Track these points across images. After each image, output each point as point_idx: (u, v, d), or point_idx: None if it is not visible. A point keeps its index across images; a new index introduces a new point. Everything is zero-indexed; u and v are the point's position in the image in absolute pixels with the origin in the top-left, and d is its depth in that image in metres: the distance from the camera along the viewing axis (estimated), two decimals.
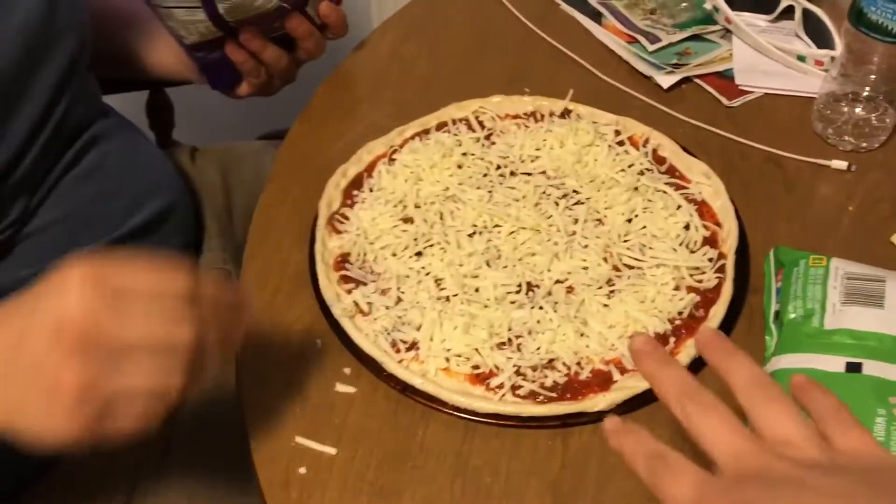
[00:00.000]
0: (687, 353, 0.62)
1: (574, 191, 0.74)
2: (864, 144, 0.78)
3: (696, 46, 0.90)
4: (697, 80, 0.86)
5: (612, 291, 0.66)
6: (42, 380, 0.45)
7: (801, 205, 0.74)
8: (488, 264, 0.68)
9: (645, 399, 0.60)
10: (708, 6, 0.91)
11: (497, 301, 0.65)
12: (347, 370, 0.63)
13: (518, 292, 0.67)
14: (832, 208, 0.74)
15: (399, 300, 0.66)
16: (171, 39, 0.83)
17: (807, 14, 0.87)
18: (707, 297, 0.66)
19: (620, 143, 0.77)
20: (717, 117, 0.82)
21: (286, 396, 0.62)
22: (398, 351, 0.63)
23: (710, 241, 0.69)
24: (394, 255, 0.70)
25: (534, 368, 0.62)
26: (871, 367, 0.56)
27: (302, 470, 0.58)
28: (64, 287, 0.45)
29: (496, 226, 0.71)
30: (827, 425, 0.42)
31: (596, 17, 0.94)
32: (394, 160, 0.77)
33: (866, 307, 0.59)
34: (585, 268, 0.68)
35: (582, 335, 0.63)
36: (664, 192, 0.73)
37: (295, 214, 0.75)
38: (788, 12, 0.89)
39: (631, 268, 0.68)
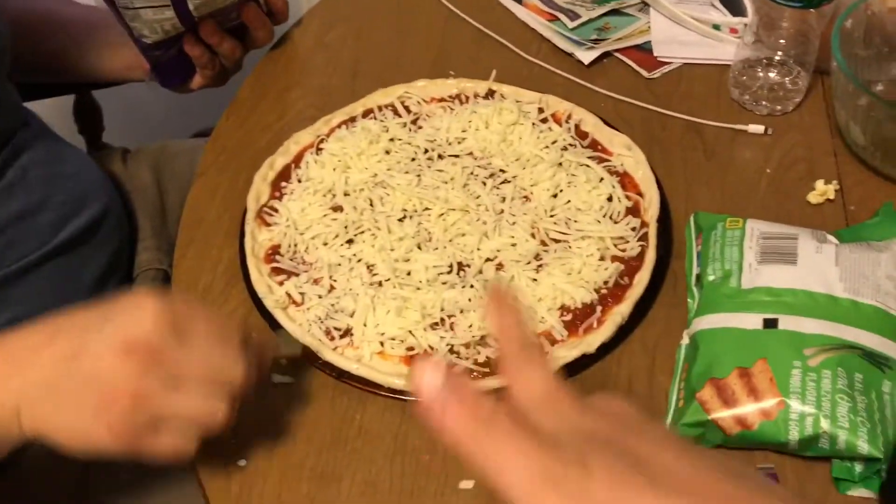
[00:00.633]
0: (612, 320, 0.63)
1: (501, 170, 0.75)
2: (780, 108, 0.81)
3: (615, 21, 0.91)
4: (617, 55, 0.88)
5: (540, 266, 0.68)
6: (99, 388, 0.49)
7: (721, 170, 0.76)
8: (419, 247, 0.69)
9: (575, 368, 0.62)
10: None
11: (429, 283, 0.66)
12: (283, 360, 0.64)
13: (449, 272, 0.68)
14: (751, 172, 0.76)
15: (332, 288, 0.67)
16: (117, 40, 0.83)
17: None
18: (631, 266, 0.67)
19: (544, 121, 0.79)
20: (637, 90, 0.84)
21: None
22: (332, 339, 0.64)
23: (633, 211, 0.71)
24: (325, 244, 0.70)
25: (467, 346, 0.63)
26: (787, 322, 0.58)
27: (242, 462, 0.59)
28: (139, 311, 0.50)
29: (426, 209, 0.72)
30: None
31: None
32: (321, 149, 0.77)
33: (781, 265, 0.61)
34: (514, 244, 0.69)
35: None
36: (587, 165, 0.74)
37: (224, 210, 0.75)
38: None
39: (558, 241, 0.69)
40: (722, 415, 0.56)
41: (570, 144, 0.77)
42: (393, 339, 0.63)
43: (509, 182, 0.74)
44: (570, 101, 0.80)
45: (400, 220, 0.72)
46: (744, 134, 0.79)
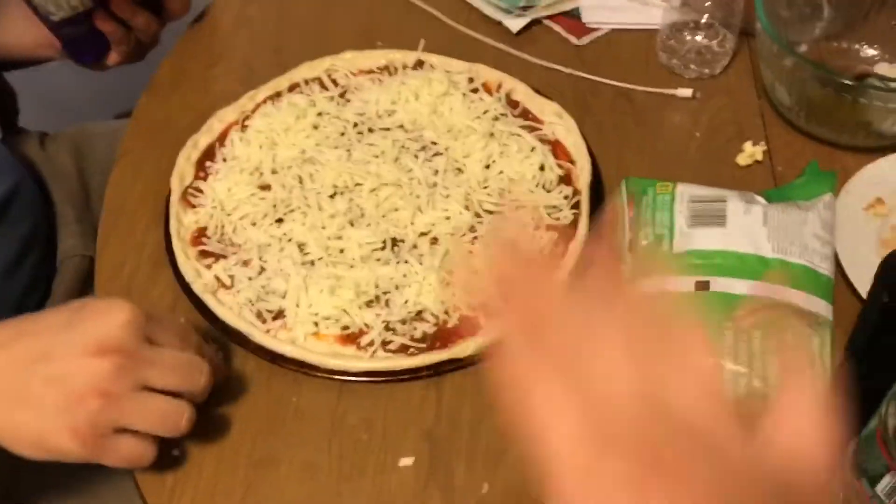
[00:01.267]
0: None
1: (432, 142, 0.74)
2: (707, 71, 0.81)
3: None
4: (546, 22, 0.87)
5: (475, 238, 0.67)
6: (65, 388, 0.48)
7: (651, 136, 0.77)
8: (352, 224, 0.68)
9: None
10: None
11: (363, 260, 0.65)
12: (215, 346, 0.62)
13: (383, 249, 0.67)
14: (680, 136, 0.77)
15: (262, 270, 0.65)
16: (24, 17, 0.78)
17: None
18: (566, 234, 0.67)
19: (474, 91, 0.78)
20: (567, 57, 0.83)
21: None
22: (264, 321, 0.62)
23: (566, 180, 0.71)
24: (253, 224, 0.68)
25: (403, 322, 0.62)
26: (718, 284, 0.59)
27: (175, 452, 0.57)
28: (110, 314, 0.50)
29: (357, 184, 0.71)
30: None
31: None
32: (246, 126, 0.75)
33: (710, 227, 0.62)
34: (448, 218, 0.68)
35: (448, 284, 0.64)
36: (519, 135, 0.73)
37: (148, 193, 0.73)
38: None
39: (492, 213, 0.69)
40: None
41: (502, 114, 0.76)
42: (327, 318, 0.62)
43: (441, 154, 0.73)
44: (500, 70, 0.79)
45: (331, 196, 0.70)
46: (673, 98, 0.80)
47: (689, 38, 0.82)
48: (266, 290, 0.64)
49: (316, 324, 0.62)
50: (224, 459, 0.57)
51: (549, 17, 0.87)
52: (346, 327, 0.62)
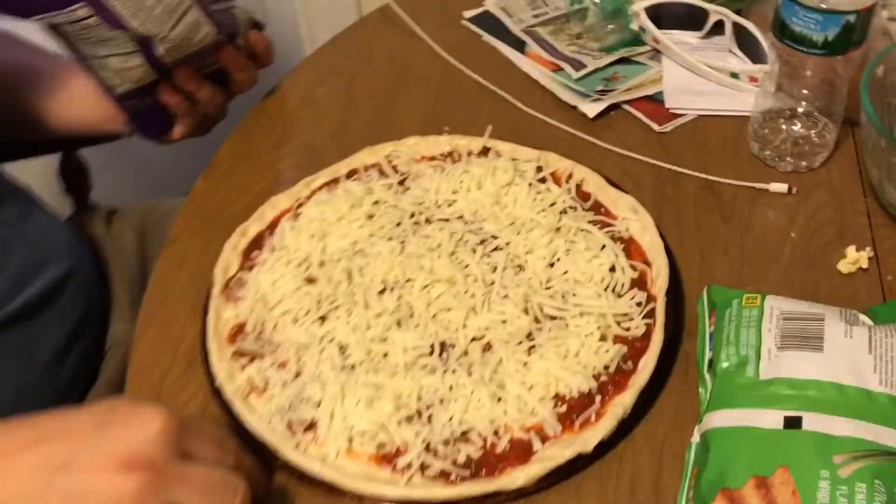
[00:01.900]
0: (613, 413, 0.55)
1: (493, 236, 0.68)
2: (805, 164, 0.73)
3: (624, 70, 0.84)
4: (626, 106, 0.81)
5: (532, 347, 0.60)
6: (92, 501, 0.44)
7: (740, 235, 0.69)
8: (399, 324, 0.62)
9: (569, 471, 0.54)
10: (635, 27, 0.86)
11: (406, 367, 0.59)
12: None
13: (430, 354, 0.60)
14: (773, 236, 0.68)
15: (298, 374, 0.60)
16: (89, 90, 0.78)
17: (738, 28, 0.83)
18: (636, 347, 0.60)
19: (542, 181, 0.72)
20: (647, 145, 0.77)
21: None
22: (294, 433, 0.57)
23: (639, 283, 0.64)
24: (295, 321, 0.63)
25: (445, 443, 0.55)
26: (813, 421, 0.50)
27: None
28: (141, 422, 0.46)
29: (408, 280, 0.65)
30: None
31: (519, 46, 0.89)
32: (299, 214, 0.71)
33: (804, 351, 0.53)
34: (504, 321, 0.62)
35: (499, 400, 0.57)
36: (588, 231, 0.67)
37: (191, 283, 0.69)
38: (719, 27, 0.84)
39: (553, 318, 0.62)
40: None
41: (571, 207, 0.69)
42: (363, 433, 0.56)
43: (501, 249, 0.67)
44: (572, 157, 0.74)
45: (379, 293, 0.65)
46: (765, 193, 0.72)
47: (784, 126, 0.74)
48: (300, 397, 0.58)
49: (350, 439, 0.56)
50: None
51: (629, 102, 0.81)
52: (382, 445, 0.56)
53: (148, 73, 0.75)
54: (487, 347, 0.61)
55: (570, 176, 0.72)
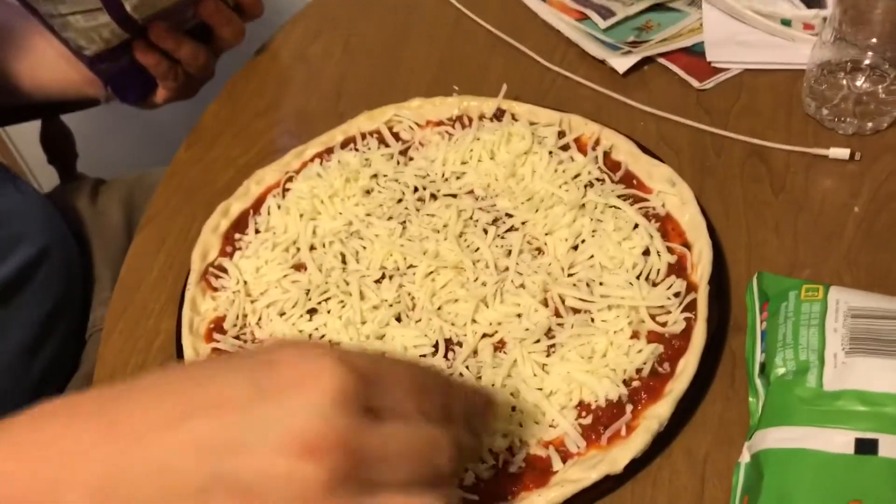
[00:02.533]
0: (647, 426, 0.47)
1: (507, 214, 0.60)
2: (870, 125, 0.63)
3: (658, 18, 0.74)
4: (661, 60, 0.71)
5: (551, 346, 0.52)
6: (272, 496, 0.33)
7: (794, 210, 0.59)
8: (398, 319, 0.54)
9: (594, 494, 0.46)
10: None
11: None
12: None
13: (434, 354, 0.53)
14: (833, 211, 0.59)
15: None
16: (64, 53, 0.71)
17: None
18: (673, 347, 0.51)
19: (564, 148, 0.63)
20: (685, 104, 0.67)
21: None
22: None
23: (677, 269, 0.55)
24: (281, 314, 0.56)
25: None
26: (891, 446, 0.41)
27: None
28: (315, 388, 0.34)
29: (410, 266, 0.57)
30: None
31: None
32: (287, 190, 0.63)
33: (879, 357, 0.44)
34: (519, 315, 0.54)
35: (513, 409, 0.49)
36: (617, 207, 0.58)
37: (169, 268, 0.62)
38: None
39: (576, 312, 0.53)
40: None
41: (598, 179, 0.60)
42: None
43: (517, 230, 0.58)
44: (599, 120, 0.64)
45: (377, 280, 0.57)
46: (823, 160, 0.62)
47: (845, 81, 0.64)
48: None
49: None
50: None
51: (665, 55, 0.71)
52: None
53: (117, 33, 0.66)
54: (500, 346, 0.53)
55: (597, 142, 0.63)
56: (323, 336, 0.54)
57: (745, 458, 0.46)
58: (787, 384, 0.45)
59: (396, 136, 0.66)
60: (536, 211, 0.59)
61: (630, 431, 0.48)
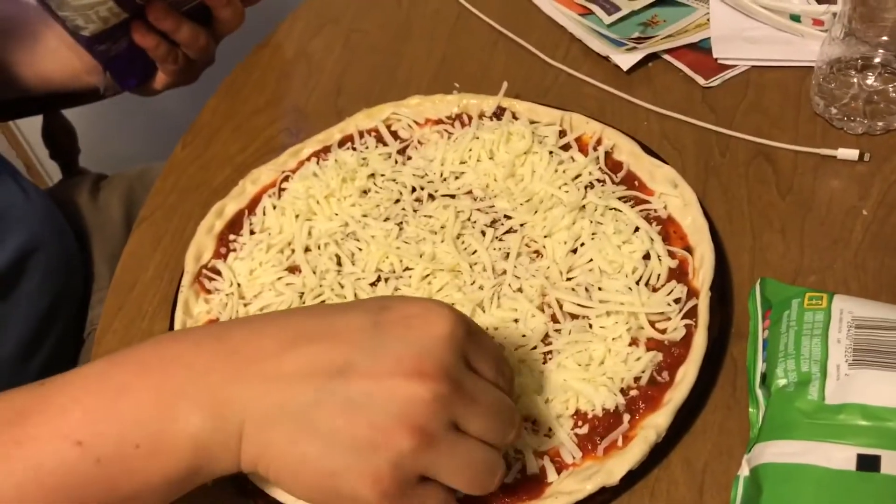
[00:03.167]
0: (644, 436, 0.46)
1: (505, 215, 0.58)
2: (881, 124, 0.61)
3: (664, 13, 0.73)
4: (666, 57, 0.69)
5: (548, 353, 0.51)
6: (371, 418, 0.37)
7: (800, 212, 0.58)
8: None
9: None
10: None
11: None
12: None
13: None
14: (841, 214, 0.57)
15: None
16: (61, 40, 0.70)
17: None
18: (673, 355, 0.50)
19: (565, 148, 0.61)
20: (691, 102, 0.66)
21: None
22: None
23: (678, 274, 0.53)
24: None
25: None
26: (894, 462, 0.40)
27: None
28: (430, 325, 0.39)
29: (406, 269, 0.56)
30: None
31: None
32: (283, 190, 0.62)
33: (883, 370, 0.43)
34: (516, 320, 0.52)
35: None
36: (618, 210, 0.57)
37: (164, 267, 0.61)
38: None
39: (574, 317, 0.52)
40: None
41: (598, 180, 0.59)
42: None
43: (515, 232, 0.57)
44: (602, 118, 0.63)
45: (372, 284, 0.56)
46: (831, 161, 0.60)
47: (856, 80, 0.62)
48: None
49: None
50: None
51: (670, 52, 0.69)
52: None
53: (115, 11, 0.65)
54: None
55: (598, 142, 0.62)
56: None
57: (744, 471, 0.45)
58: (789, 396, 0.44)
59: (395, 135, 0.65)
60: (535, 212, 0.58)
61: (627, 442, 0.46)
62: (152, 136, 1.10)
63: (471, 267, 0.55)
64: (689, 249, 0.55)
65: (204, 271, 0.58)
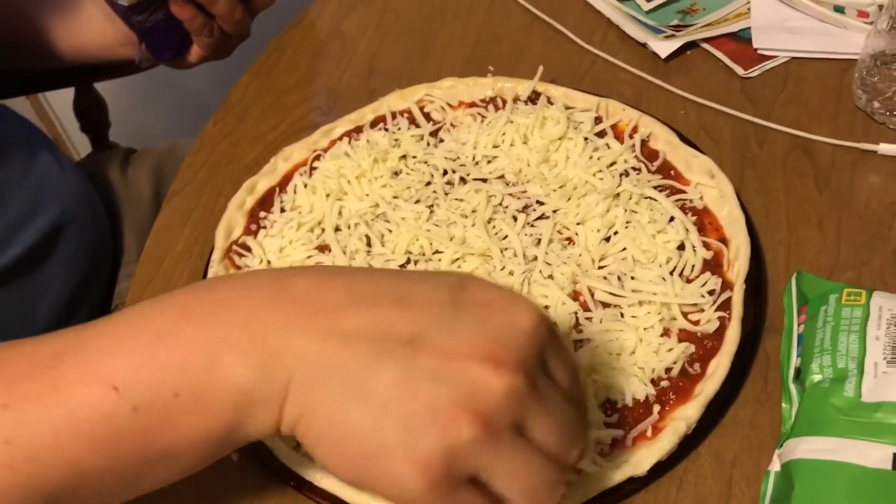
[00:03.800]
0: (674, 427, 0.45)
1: (538, 201, 0.58)
2: None
3: (704, 1, 0.72)
4: (705, 45, 0.68)
5: (579, 341, 0.50)
6: (435, 396, 0.33)
7: (838, 207, 0.57)
8: None
9: (616, 496, 0.45)
10: None
11: None
12: (235, 456, 0.49)
13: None
14: (880, 210, 0.56)
15: None
16: (98, 10, 0.71)
17: None
18: (705, 347, 0.49)
19: (600, 135, 0.61)
20: (729, 93, 0.65)
21: None
22: None
23: (713, 266, 0.53)
24: None
25: None
26: None
27: None
28: (514, 314, 0.35)
29: (436, 252, 0.56)
30: None
31: None
32: (315, 169, 0.62)
33: None
34: (546, 307, 0.52)
35: None
36: (653, 199, 0.56)
37: (193, 243, 0.61)
38: None
39: (606, 305, 0.52)
40: None
41: (633, 168, 0.58)
42: None
43: (548, 218, 0.57)
44: (638, 106, 0.62)
45: (402, 265, 0.55)
46: (872, 156, 0.59)
47: None
48: None
49: None
50: None
51: (709, 40, 0.68)
52: None
53: None
54: None
55: (634, 129, 0.61)
56: None
57: (775, 466, 0.44)
58: (823, 392, 0.43)
59: (427, 117, 0.65)
60: (569, 199, 0.57)
61: (656, 433, 0.46)
62: (180, 113, 1.10)
63: (501, 252, 0.55)
64: (724, 241, 0.54)
65: (234, 247, 0.58)
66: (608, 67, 0.68)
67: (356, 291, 0.35)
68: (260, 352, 0.34)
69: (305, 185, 0.60)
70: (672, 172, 0.58)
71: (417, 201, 0.59)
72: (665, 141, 0.60)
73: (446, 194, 0.59)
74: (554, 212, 0.57)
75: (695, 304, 0.51)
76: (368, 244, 0.57)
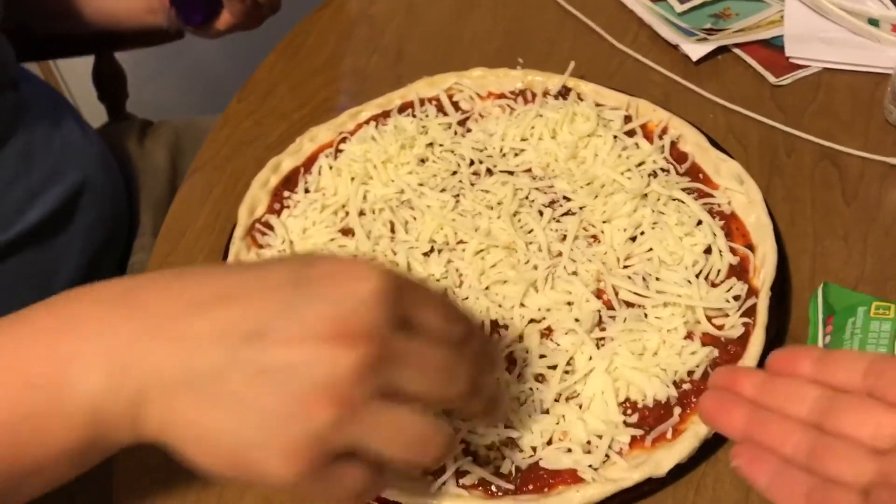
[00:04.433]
0: (694, 431, 0.45)
1: (565, 197, 0.58)
2: None
3: (738, 6, 0.71)
4: (737, 51, 0.68)
5: (601, 339, 0.50)
6: (286, 388, 0.33)
7: (865, 220, 0.57)
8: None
9: (634, 496, 0.44)
10: None
11: None
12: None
13: None
14: None
15: None
16: None
17: None
18: (728, 352, 0.49)
19: (630, 134, 0.60)
20: (759, 99, 0.64)
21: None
22: None
23: (739, 272, 0.53)
24: None
25: (489, 447, 0.46)
26: None
27: None
28: (354, 283, 0.34)
29: (460, 242, 0.56)
30: None
31: None
32: (340, 151, 0.61)
33: None
34: (570, 304, 0.52)
35: (555, 401, 0.48)
36: (681, 201, 0.56)
37: (215, 219, 0.61)
38: None
39: (630, 305, 0.52)
40: None
41: (662, 169, 0.58)
42: None
43: (574, 214, 0.56)
44: (668, 108, 0.62)
45: (425, 254, 0.55)
46: None
47: None
48: None
49: None
50: None
51: (741, 46, 0.68)
52: None
53: None
54: (547, 333, 0.51)
55: (664, 130, 0.60)
56: None
57: None
58: None
59: (456, 106, 0.64)
60: (596, 197, 0.57)
61: (676, 435, 0.46)
62: (197, 89, 1.09)
63: (526, 246, 0.55)
64: (750, 247, 0.54)
65: (257, 225, 0.58)
66: (638, 67, 0.68)
67: (203, 294, 0.35)
68: (109, 366, 0.33)
69: (331, 167, 0.60)
70: (700, 175, 0.58)
71: (443, 190, 0.58)
72: (694, 144, 0.59)
73: (472, 185, 0.59)
74: (580, 208, 0.57)
75: (719, 309, 0.50)
76: (392, 230, 0.57)
